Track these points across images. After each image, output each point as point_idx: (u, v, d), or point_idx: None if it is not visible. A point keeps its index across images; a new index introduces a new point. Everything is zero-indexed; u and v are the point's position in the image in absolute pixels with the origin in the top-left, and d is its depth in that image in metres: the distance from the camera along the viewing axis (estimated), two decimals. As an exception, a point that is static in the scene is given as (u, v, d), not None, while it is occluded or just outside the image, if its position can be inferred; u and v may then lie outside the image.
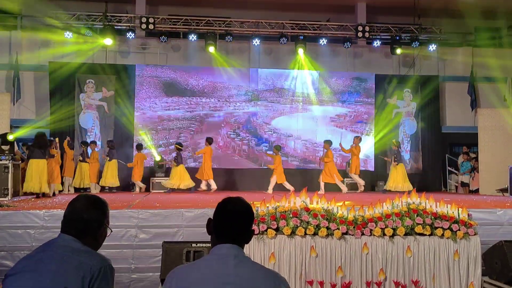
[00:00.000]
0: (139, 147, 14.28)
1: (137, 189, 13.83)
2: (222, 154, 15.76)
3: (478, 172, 14.37)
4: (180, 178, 13.47)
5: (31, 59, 15.15)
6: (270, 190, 13.13)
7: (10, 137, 10.49)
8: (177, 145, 13.92)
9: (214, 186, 13.53)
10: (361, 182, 13.85)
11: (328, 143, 13.76)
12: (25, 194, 10.74)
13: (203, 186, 13.61)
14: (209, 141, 13.92)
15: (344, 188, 13.55)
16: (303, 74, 16.25)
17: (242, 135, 16.08)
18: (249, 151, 16.05)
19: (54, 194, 11.35)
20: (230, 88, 16.06)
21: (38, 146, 10.71)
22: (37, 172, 10.52)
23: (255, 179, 15.18)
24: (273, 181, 13.34)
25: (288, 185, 13.27)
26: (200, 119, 15.81)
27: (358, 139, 14.17)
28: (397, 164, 13.75)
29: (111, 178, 13.65)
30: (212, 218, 2.35)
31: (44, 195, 10.75)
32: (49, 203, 8.83)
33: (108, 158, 13.72)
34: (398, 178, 13.68)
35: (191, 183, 13.52)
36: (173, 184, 13.43)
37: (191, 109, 15.85)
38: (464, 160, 15.41)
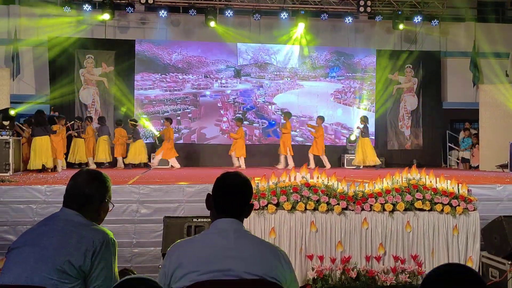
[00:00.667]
0: (119, 122, 14.19)
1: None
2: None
3: (478, 148, 14.40)
4: (135, 153, 13.62)
5: (30, 34, 15.03)
6: (242, 165, 13.26)
7: (12, 112, 10.49)
8: (131, 122, 13.99)
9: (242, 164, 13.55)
10: (327, 166, 13.49)
11: (321, 118, 13.80)
12: (29, 171, 10.81)
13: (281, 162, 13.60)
14: (241, 121, 14.16)
15: (291, 164, 13.35)
16: (302, 49, 16.11)
17: (250, 118, 16.04)
18: (260, 136, 16.05)
19: (55, 169, 11.39)
20: (219, 64, 15.98)
21: (37, 123, 10.86)
22: (41, 149, 10.68)
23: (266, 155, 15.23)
24: (234, 156, 13.51)
25: (242, 161, 13.36)
26: (195, 98, 15.77)
27: (320, 119, 13.87)
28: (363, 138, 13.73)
29: (102, 154, 13.66)
30: (211, 193, 2.37)
31: (50, 169, 10.96)
32: (50, 178, 8.86)
33: (98, 134, 13.79)
34: (366, 152, 13.60)
35: (145, 159, 13.76)
36: (130, 159, 13.67)
37: (194, 86, 15.79)
38: (465, 136, 15.41)
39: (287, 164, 13.30)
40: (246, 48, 16.13)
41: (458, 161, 15.65)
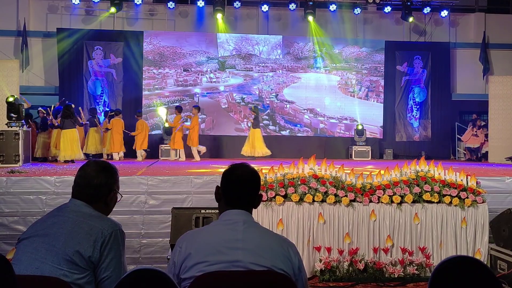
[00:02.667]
0: (139, 114, 14.16)
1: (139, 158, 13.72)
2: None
3: (487, 140, 14.33)
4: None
5: (39, 25, 15.12)
6: (196, 158, 13.25)
7: (10, 99, 10.59)
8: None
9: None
10: (197, 158, 13.30)
11: (196, 109, 13.66)
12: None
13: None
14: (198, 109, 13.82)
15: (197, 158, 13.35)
16: (311, 40, 16.04)
17: (279, 123, 15.88)
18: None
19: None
20: (197, 55, 15.72)
21: (66, 116, 11.50)
22: (71, 141, 11.42)
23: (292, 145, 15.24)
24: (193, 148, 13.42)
25: (196, 152, 13.27)
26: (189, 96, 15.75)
27: (196, 110, 13.58)
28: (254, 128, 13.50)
29: (92, 145, 13.66)
30: (219, 185, 2.37)
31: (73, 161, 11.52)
32: (59, 169, 8.92)
33: (89, 125, 13.73)
34: (254, 143, 13.35)
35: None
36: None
37: (179, 82, 15.65)
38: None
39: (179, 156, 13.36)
40: (227, 38, 15.91)
41: (465, 152, 15.51)
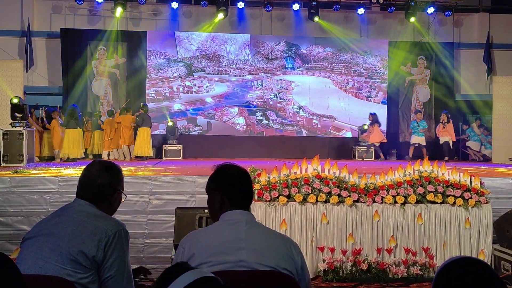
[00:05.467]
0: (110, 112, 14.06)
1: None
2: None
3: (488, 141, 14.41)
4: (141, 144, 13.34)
5: (43, 26, 15.16)
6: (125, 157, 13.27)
7: (15, 101, 10.59)
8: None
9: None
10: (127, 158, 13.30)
11: (127, 110, 13.58)
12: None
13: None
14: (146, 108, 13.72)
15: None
16: (315, 40, 16.04)
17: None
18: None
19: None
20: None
21: (71, 116, 12.17)
22: (73, 140, 12.03)
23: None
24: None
25: (126, 149, 13.20)
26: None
27: (127, 110, 13.58)
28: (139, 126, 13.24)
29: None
30: (214, 191, 2.35)
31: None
32: (63, 169, 8.94)
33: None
34: (142, 142, 13.05)
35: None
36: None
37: (217, 80, 15.75)
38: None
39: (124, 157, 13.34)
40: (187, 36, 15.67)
41: (468, 153, 15.43)
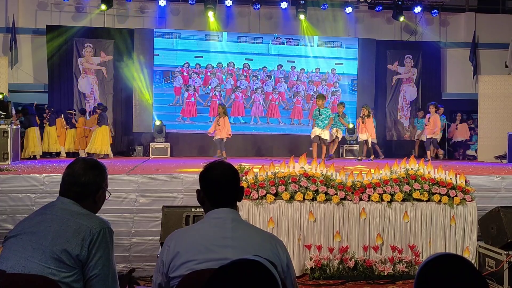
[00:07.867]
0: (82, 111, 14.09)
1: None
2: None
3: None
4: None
5: (28, 22, 15.00)
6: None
7: None
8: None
9: None
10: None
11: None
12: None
13: None
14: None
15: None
16: (303, 39, 16.05)
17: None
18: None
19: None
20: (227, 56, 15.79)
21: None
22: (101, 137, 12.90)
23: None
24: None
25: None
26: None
27: (101, 111, 13.31)
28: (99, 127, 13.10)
29: (53, 144, 13.53)
30: (200, 188, 2.36)
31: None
32: (48, 167, 8.86)
33: (49, 124, 13.52)
34: (98, 141, 12.96)
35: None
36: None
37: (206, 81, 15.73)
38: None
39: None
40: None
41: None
